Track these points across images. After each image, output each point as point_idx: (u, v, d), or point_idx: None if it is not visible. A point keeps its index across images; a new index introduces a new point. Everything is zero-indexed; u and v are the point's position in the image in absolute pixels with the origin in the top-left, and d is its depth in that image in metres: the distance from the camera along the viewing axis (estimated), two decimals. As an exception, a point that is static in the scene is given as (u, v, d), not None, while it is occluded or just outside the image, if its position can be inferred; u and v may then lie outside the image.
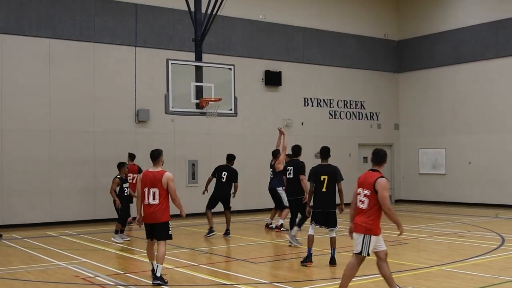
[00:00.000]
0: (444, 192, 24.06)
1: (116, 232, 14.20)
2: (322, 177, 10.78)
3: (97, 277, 9.88)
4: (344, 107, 24.53)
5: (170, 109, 14.11)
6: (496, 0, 22.89)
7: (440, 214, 20.41)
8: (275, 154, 16.15)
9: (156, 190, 9.31)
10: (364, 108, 25.15)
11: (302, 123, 23.05)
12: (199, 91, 14.46)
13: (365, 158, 25.12)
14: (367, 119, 25.26)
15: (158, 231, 9.38)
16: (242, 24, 21.76)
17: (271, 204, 16.48)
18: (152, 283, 9.23)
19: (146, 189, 9.37)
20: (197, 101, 14.38)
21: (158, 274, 9.16)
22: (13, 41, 17.51)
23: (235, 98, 15.01)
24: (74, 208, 18.09)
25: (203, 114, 14.65)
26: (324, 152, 11.10)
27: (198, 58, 15.29)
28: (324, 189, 10.78)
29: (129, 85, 19.15)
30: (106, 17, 19.01)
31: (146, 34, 19.68)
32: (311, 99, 23.55)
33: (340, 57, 24.41)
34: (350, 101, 24.69)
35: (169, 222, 9.48)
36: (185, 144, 19.86)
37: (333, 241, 10.82)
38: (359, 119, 24.98)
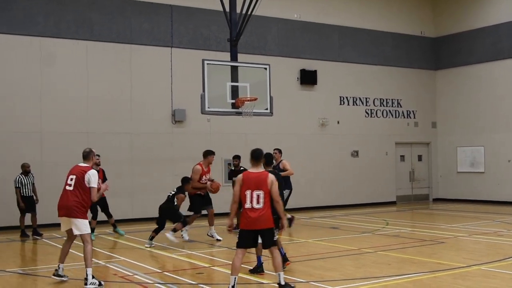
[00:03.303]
0: (483, 191, 23.68)
1: (175, 230, 13.68)
2: None
3: (135, 275, 10.01)
4: (381, 106, 24.34)
5: (206, 109, 14.16)
6: (536, -6, 22.50)
7: (478, 213, 20.10)
8: None
9: (261, 193, 8.54)
10: (401, 106, 24.91)
11: (338, 122, 22.96)
12: (234, 91, 14.48)
13: (402, 157, 24.90)
14: (404, 117, 25.01)
15: (267, 237, 8.66)
16: (277, 23, 21.77)
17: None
18: None
19: (248, 192, 8.56)
20: (233, 101, 14.41)
21: (283, 282, 8.59)
22: (52, 44, 17.85)
23: (271, 98, 15.01)
24: (112, 207, 18.28)
25: (239, 114, 14.67)
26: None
27: (234, 58, 15.33)
28: None
29: (166, 85, 19.35)
30: (142, 18, 19.24)
31: (181, 35, 19.86)
32: (347, 97, 23.42)
33: (376, 55, 24.23)
34: (386, 99, 24.49)
35: None
36: (221, 144, 19.90)
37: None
38: (395, 117, 24.75)
